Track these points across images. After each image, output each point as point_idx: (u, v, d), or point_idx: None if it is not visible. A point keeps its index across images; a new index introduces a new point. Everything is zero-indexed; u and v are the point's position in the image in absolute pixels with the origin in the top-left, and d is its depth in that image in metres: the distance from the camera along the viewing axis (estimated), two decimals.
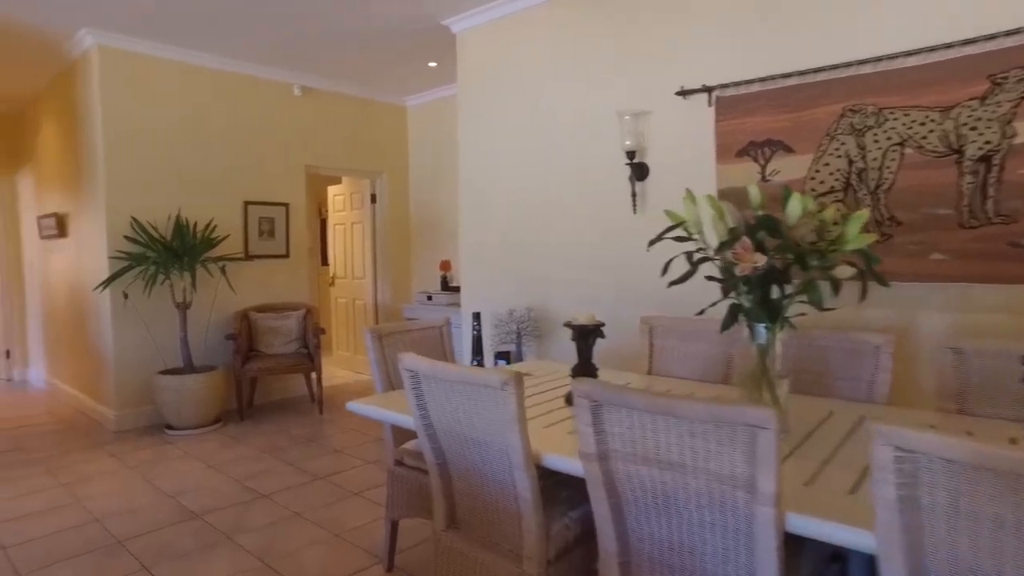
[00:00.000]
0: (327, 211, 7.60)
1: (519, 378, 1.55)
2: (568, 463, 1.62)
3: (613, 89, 3.74)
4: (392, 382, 2.53)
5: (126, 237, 4.70)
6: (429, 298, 5.88)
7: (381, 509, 3.26)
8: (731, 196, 3.20)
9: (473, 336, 4.13)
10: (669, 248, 1.96)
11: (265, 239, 5.58)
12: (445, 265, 6.19)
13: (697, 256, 1.80)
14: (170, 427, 4.71)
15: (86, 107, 4.87)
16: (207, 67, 5.18)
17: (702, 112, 3.36)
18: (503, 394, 1.56)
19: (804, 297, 1.69)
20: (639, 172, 3.64)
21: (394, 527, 2.59)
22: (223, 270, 5.02)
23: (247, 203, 5.44)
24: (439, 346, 2.81)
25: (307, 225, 5.97)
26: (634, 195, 3.66)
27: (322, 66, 5.57)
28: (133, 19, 4.41)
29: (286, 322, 5.37)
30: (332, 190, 7.11)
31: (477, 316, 4.13)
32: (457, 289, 5.89)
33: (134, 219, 4.75)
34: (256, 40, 4.86)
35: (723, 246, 1.72)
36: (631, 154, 3.61)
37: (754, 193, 1.83)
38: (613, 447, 1.46)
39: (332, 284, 7.18)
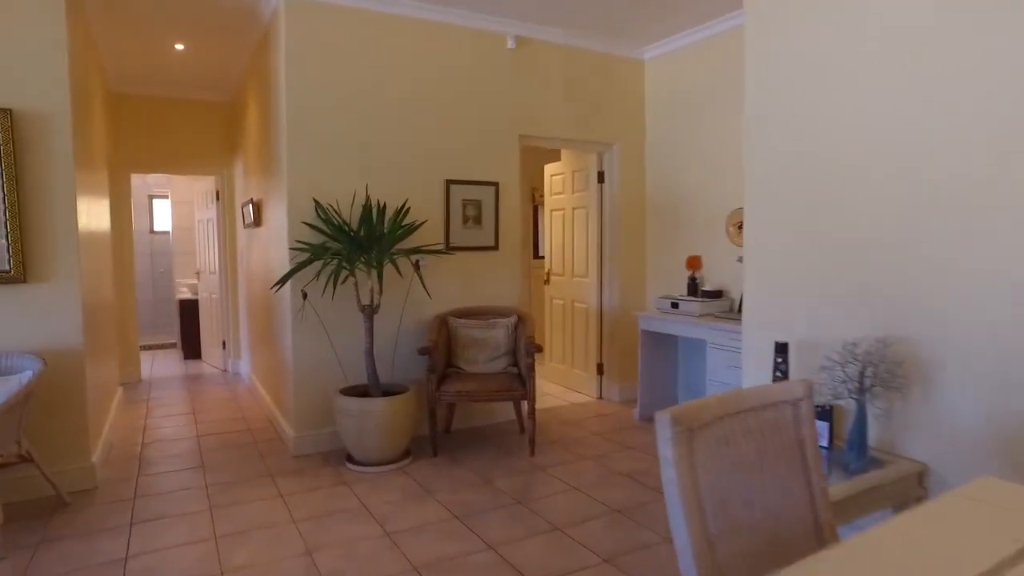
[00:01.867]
0: (542, 195, 6.43)
1: None
2: None
3: None
4: (714, 547, 1.09)
5: (306, 223, 3.86)
6: (674, 305, 4.37)
7: None
8: None
9: (776, 378, 2.57)
10: None
11: (470, 227, 4.49)
12: (693, 262, 4.64)
13: None
14: (351, 459, 3.79)
15: (275, 74, 4.13)
16: (403, 15, 4.17)
17: None
18: None
19: None
20: None
21: None
22: (417, 266, 4.00)
23: (449, 182, 4.38)
24: (791, 440, 1.33)
25: (520, 210, 4.79)
26: None
27: (542, 11, 4.32)
28: None
29: (493, 332, 4.23)
30: (549, 168, 5.88)
31: (783, 349, 2.55)
32: (714, 295, 4.31)
33: (316, 201, 3.90)
34: None
35: None
36: None
37: None
38: None
39: (547, 282, 5.97)
